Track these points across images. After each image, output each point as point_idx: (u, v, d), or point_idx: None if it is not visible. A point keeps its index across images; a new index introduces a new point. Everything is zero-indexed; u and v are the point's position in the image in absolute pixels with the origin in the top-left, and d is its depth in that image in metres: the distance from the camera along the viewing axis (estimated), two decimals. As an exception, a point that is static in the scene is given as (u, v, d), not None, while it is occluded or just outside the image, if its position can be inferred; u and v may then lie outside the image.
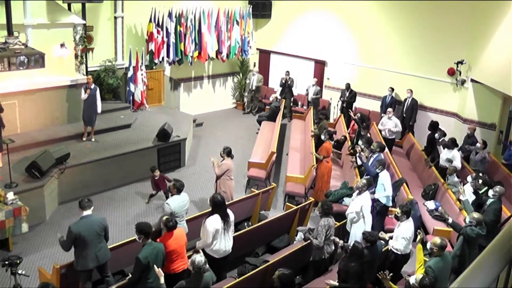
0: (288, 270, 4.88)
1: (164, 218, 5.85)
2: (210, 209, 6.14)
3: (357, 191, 7.18)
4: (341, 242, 6.43)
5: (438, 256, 5.55)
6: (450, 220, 6.91)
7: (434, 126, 10.82)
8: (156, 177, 8.86)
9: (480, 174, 8.17)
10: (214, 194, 6.24)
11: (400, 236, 6.44)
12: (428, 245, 6.05)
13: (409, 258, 6.72)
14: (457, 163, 9.26)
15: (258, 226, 7.43)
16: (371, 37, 13.46)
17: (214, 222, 5.91)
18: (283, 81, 14.37)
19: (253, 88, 15.02)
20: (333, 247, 6.47)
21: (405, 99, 12.32)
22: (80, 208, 5.77)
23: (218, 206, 6.02)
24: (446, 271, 5.67)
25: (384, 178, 7.83)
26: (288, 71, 14.46)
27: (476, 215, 6.42)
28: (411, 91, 12.12)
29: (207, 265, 4.92)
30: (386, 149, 10.20)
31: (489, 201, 7.27)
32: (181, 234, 5.85)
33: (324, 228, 6.18)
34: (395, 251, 6.48)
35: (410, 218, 6.52)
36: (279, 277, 4.80)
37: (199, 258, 4.79)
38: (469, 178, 8.38)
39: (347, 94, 13.35)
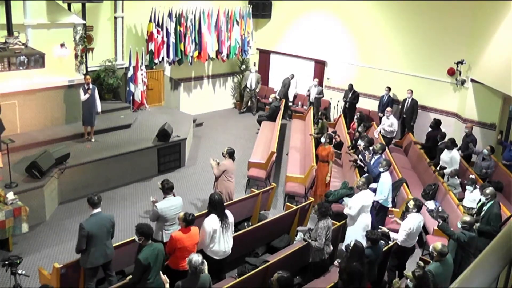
0: (287, 273, 4.86)
1: (181, 213, 5.72)
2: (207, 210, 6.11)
3: (358, 190, 7.20)
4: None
5: (438, 262, 5.48)
6: (441, 222, 6.65)
7: (437, 123, 10.84)
8: None
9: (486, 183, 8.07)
10: (212, 194, 6.20)
11: (402, 227, 6.51)
12: (430, 249, 6.00)
13: (410, 253, 6.75)
14: (456, 165, 9.25)
15: (258, 226, 7.42)
16: (371, 37, 13.46)
17: (211, 222, 5.87)
18: (289, 82, 14.37)
19: (252, 87, 15.02)
20: (331, 247, 6.49)
21: (405, 100, 12.30)
22: (90, 206, 5.77)
23: (214, 205, 5.98)
24: (447, 275, 5.58)
25: (385, 180, 7.82)
26: (293, 74, 14.51)
27: (467, 218, 6.25)
28: (411, 91, 12.09)
29: (205, 266, 4.86)
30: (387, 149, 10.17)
31: (487, 205, 7.07)
32: (196, 232, 5.81)
33: (324, 230, 6.20)
34: (393, 239, 6.59)
35: (419, 214, 6.56)
36: (278, 280, 4.77)
37: (196, 257, 4.71)
38: (468, 187, 8.24)
39: (350, 95, 13.33)
